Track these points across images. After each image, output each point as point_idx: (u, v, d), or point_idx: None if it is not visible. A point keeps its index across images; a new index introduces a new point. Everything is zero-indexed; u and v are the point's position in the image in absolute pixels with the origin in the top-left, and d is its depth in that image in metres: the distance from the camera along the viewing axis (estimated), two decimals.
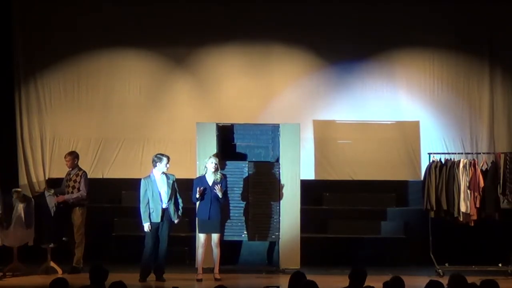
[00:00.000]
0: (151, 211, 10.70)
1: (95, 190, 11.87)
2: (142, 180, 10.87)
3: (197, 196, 10.80)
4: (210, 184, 10.91)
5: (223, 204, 11.06)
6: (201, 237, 10.93)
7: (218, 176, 10.91)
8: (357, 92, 13.57)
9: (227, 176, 11.25)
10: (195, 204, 11.13)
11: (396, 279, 6.59)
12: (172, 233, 10.98)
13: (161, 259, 10.76)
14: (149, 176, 10.85)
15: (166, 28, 13.51)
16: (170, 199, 10.76)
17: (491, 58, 13.50)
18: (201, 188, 10.79)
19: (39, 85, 13.45)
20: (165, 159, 10.80)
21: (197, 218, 11.04)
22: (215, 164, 10.91)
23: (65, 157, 11.61)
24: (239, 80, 13.61)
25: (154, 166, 10.83)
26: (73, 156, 11.58)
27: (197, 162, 11.63)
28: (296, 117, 12.92)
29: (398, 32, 13.49)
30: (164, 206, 10.72)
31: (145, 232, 10.76)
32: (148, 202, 10.71)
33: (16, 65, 13.40)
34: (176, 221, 10.86)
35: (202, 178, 11.00)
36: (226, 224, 11.45)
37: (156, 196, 10.72)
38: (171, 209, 10.76)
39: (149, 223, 10.69)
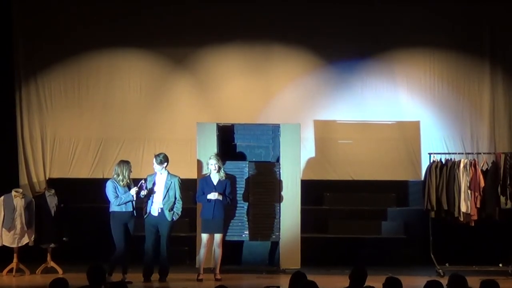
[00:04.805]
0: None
1: (96, 190, 11.85)
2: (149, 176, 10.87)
3: (207, 199, 10.81)
4: (215, 183, 10.90)
5: (227, 204, 11.04)
6: (204, 237, 10.90)
7: (222, 174, 10.91)
8: (358, 92, 13.56)
9: (230, 177, 11.24)
10: (196, 204, 11.12)
11: (392, 280, 6.56)
12: (173, 233, 10.94)
13: (163, 259, 10.72)
14: (154, 173, 10.85)
15: (166, 28, 13.51)
16: (165, 199, 10.68)
17: (491, 57, 13.49)
18: (210, 200, 10.78)
19: (40, 85, 13.45)
20: (154, 158, 10.78)
21: (201, 218, 11.02)
22: (213, 165, 10.90)
23: None
24: (239, 80, 13.60)
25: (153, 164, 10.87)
26: None
27: (202, 161, 11.57)
28: (297, 117, 12.92)
29: (398, 32, 13.48)
30: (160, 205, 10.67)
31: (145, 232, 10.73)
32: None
33: (16, 65, 13.40)
34: (169, 219, 10.71)
35: (207, 178, 10.99)
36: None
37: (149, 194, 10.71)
38: (166, 209, 10.65)
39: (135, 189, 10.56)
